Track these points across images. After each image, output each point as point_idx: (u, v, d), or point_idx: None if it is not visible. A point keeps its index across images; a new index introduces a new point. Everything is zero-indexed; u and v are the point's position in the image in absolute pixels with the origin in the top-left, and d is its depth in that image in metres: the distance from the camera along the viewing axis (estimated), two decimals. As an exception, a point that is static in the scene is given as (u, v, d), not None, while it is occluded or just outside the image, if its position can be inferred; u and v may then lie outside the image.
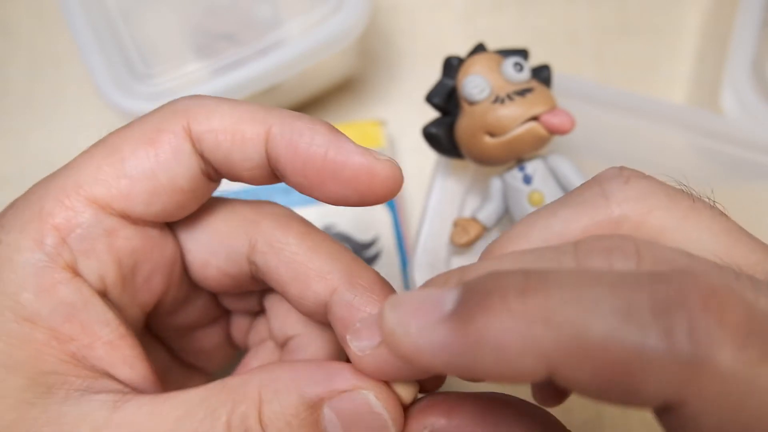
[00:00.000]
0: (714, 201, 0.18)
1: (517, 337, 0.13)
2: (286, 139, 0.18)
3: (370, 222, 0.35)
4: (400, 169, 0.19)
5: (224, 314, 0.25)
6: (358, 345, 0.17)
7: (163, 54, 0.33)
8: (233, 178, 0.20)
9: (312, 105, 0.39)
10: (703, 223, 0.16)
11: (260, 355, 0.24)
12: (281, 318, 0.23)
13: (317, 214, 0.34)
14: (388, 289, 0.20)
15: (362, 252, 0.34)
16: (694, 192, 0.17)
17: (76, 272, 0.18)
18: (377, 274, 0.20)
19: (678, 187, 0.17)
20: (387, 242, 0.34)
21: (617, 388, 0.13)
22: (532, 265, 0.16)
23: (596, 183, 0.17)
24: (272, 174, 0.19)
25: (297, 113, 0.19)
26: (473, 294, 0.14)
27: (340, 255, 0.20)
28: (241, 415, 0.16)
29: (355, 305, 0.19)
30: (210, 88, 0.31)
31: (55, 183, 0.18)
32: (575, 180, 0.26)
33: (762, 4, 0.33)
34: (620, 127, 0.30)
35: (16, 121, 0.39)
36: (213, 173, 0.20)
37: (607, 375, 0.12)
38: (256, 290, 0.23)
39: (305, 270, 0.20)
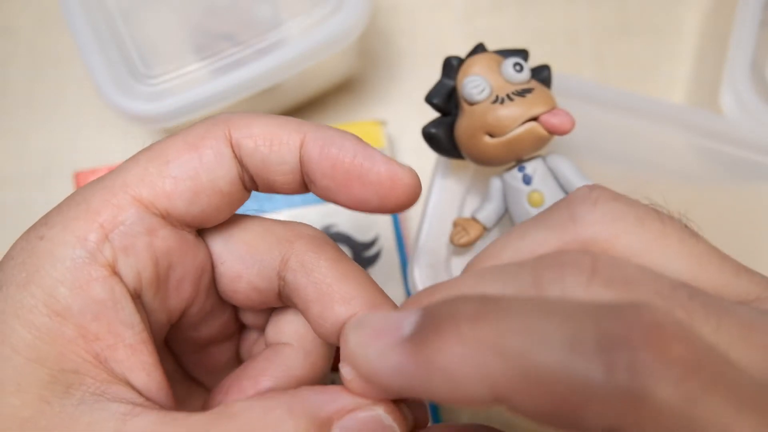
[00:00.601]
0: (686, 219, 0.18)
1: (467, 365, 0.14)
2: (319, 144, 0.20)
3: (370, 222, 0.35)
4: (419, 180, 0.20)
5: (238, 331, 0.25)
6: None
7: (163, 54, 0.33)
8: (266, 186, 0.21)
9: (312, 105, 0.39)
10: (671, 246, 0.16)
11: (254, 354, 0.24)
12: (279, 326, 0.23)
13: (317, 213, 0.34)
14: None
15: (362, 252, 0.34)
16: (664, 213, 0.17)
17: (114, 270, 0.18)
18: (395, 305, 0.21)
19: (649, 207, 0.17)
20: (387, 242, 0.34)
21: (562, 417, 0.13)
22: (491, 281, 0.16)
23: (565, 205, 0.17)
24: (302, 181, 0.21)
25: (329, 126, 0.21)
26: (429, 319, 0.15)
27: (366, 284, 0.21)
28: None
29: None
30: (210, 88, 0.31)
31: (103, 184, 0.19)
32: (575, 180, 0.26)
33: (761, 5, 0.33)
34: (620, 127, 0.30)
35: (16, 121, 0.39)
36: (248, 180, 0.21)
37: (552, 405, 0.13)
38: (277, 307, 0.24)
39: (331, 292, 0.20)
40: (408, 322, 0.15)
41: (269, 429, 0.16)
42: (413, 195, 0.20)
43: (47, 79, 0.40)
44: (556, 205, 0.18)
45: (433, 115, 0.27)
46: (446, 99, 0.27)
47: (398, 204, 0.20)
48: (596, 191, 0.17)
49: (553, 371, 0.13)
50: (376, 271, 0.34)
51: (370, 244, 0.34)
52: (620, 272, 0.15)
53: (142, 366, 0.18)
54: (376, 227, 0.34)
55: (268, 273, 0.21)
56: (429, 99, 0.27)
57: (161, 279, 0.20)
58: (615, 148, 0.30)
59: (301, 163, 0.20)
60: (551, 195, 0.26)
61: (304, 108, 0.39)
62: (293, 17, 0.33)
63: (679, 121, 0.30)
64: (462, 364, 0.14)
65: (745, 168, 0.30)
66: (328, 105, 0.40)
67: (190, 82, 0.32)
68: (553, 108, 0.25)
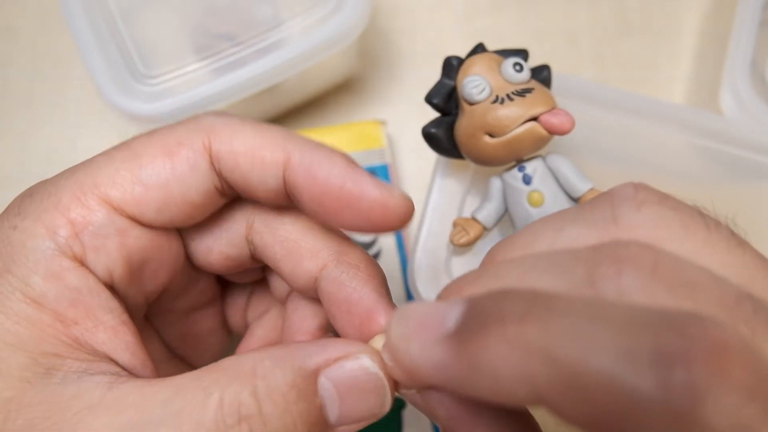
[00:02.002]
0: (733, 225, 0.16)
1: (511, 366, 0.13)
2: (304, 168, 0.19)
3: (370, 222, 0.35)
4: (411, 202, 0.20)
5: (219, 295, 0.26)
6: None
7: (163, 54, 0.33)
8: (248, 197, 0.21)
9: (312, 105, 0.39)
10: (718, 255, 0.15)
11: (264, 324, 0.25)
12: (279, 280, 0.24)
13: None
14: (373, 266, 0.21)
15: (362, 252, 0.34)
16: (711, 218, 0.16)
17: (83, 264, 0.18)
18: (364, 252, 0.21)
19: (696, 212, 0.16)
20: (387, 242, 0.34)
21: (605, 427, 0.13)
22: (540, 273, 0.15)
23: (609, 204, 0.17)
24: (287, 197, 0.20)
25: (315, 142, 0.20)
26: (473, 315, 0.14)
27: (330, 234, 0.21)
28: (234, 391, 0.16)
29: (342, 281, 0.20)
30: (210, 88, 0.31)
31: (75, 178, 0.19)
32: (575, 180, 0.26)
33: (761, 4, 0.33)
34: (620, 127, 0.30)
35: (16, 121, 0.39)
36: (228, 190, 0.20)
37: (596, 413, 0.13)
38: (256, 267, 0.24)
39: (298, 248, 0.21)
40: (452, 315, 0.15)
41: (258, 380, 0.17)
42: (405, 219, 0.20)
43: (47, 79, 0.40)
44: (597, 202, 0.17)
45: (433, 114, 0.27)
46: (446, 99, 0.27)
47: (390, 228, 0.20)
48: (642, 192, 0.16)
49: (602, 381, 0.12)
50: (376, 271, 0.34)
51: (370, 244, 0.34)
52: (683, 274, 0.14)
53: (125, 346, 0.19)
54: (376, 227, 0.35)
55: (236, 240, 0.22)
56: (429, 99, 0.27)
57: (134, 273, 0.20)
58: (615, 148, 0.30)
59: (286, 184, 0.20)
60: (551, 195, 0.26)
61: (304, 108, 0.39)
62: (293, 17, 0.33)
63: (679, 121, 0.30)
64: (506, 366, 0.13)
65: (745, 168, 0.30)
66: (328, 105, 0.40)
67: (190, 82, 0.32)
68: (553, 108, 0.25)
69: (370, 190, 0.19)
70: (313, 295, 0.22)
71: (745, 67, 0.32)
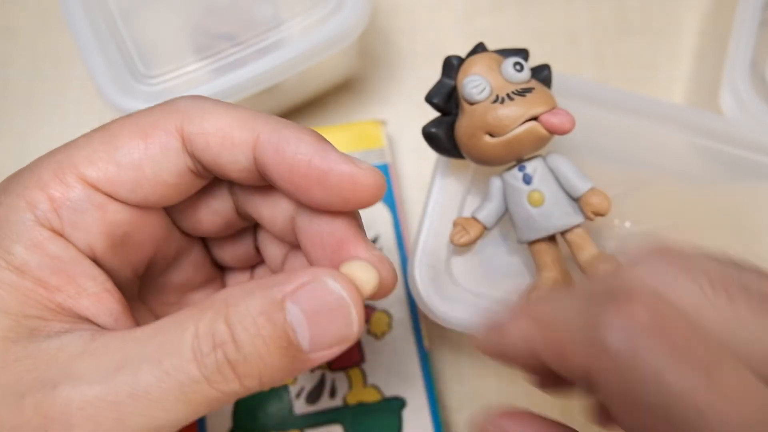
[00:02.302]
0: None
1: (518, 332, 0.19)
2: (273, 146, 0.19)
3: (370, 222, 0.35)
4: (381, 176, 0.20)
5: (219, 275, 0.26)
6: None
7: (163, 54, 0.33)
8: (222, 177, 0.21)
9: (312, 105, 0.39)
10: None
11: None
12: (275, 242, 0.24)
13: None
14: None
15: (362, 252, 0.34)
16: (734, 282, 0.17)
17: (62, 236, 0.19)
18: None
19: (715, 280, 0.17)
20: (387, 242, 0.34)
21: (560, 366, 0.17)
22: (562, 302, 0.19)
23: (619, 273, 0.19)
24: (261, 178, 0.21)
25: (285, 121, 0.20)
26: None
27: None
28: (208, 322, 0.17)
29: (314, 213, 0.21)
30: (210, 88, 0.31)
31: (55, 158, 0.20)
32: (575, 180, 0.26)
33: (761, 4, 0.33)
34: (620, 127, 0.30)
35: (16, 121, 0.39)
36: (203, 171, 0.21)
37: (555, 355, 0.17)
38: (247, 233, 0.25)
39: (275, 191, 0.21)
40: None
41: (229, 308, 0.17)
42: (376, 194, 0.20)
43: (47, 79, 0.40)
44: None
45: (433, 114, 0.27)
46: (446, 98, 0.27)
47: (362, 203, 0.20)
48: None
49: (559, 331, 0.17)
50: (376, 271, 0.34)
51: (370, 244, 0.34)
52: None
53: (109, 312, 0.19)
54: (376, 227, 0.34)
55: (220, 193, 0.22)
56: (429, 98, 0.27)
57: (117, 246, 0.20)
58: (615, 148, 0.30)
59: (257, 163, 0.20)
60: (551, 195, 0.26)
61: (304, 108, 0.39)
62: (293, 17, 0.33)
63: (679, 121, 0.30)
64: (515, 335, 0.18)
65: (745, 168, 0.30)
66: (328, 105, 0.40)
67: (190, 82, 0.32)
68: (553, 107, 0.25)
69: (337, 165, 0.19)
70: (293, 239, 0.22)
71: (746, 67, 0.32)
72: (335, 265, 0.19)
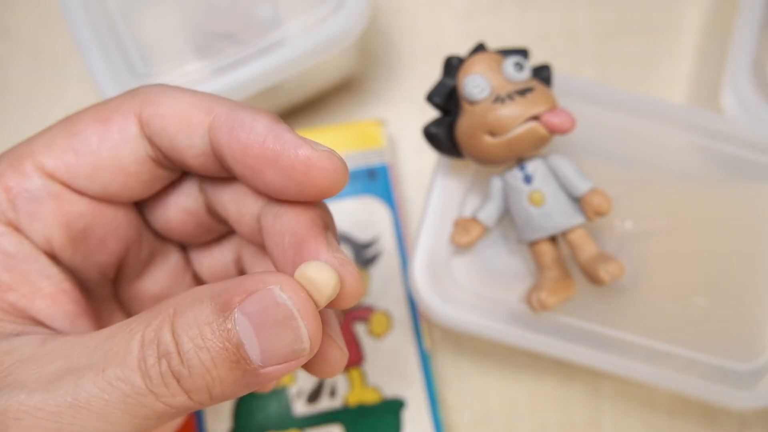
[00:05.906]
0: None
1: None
2: (228, 126, 0.19)
3: (370, 222, 0.34)
4: (341, 161, 0.18)
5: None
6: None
7: (163, 54, 0.33)
8: (183, 166, 0.20)
9: (312, 105, 0.39)
10: None
11: None
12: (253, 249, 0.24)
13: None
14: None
15: (362, 252, 0.34)
16: None
17: (18, 230, 0.19)
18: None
19: None
20: (387, 242, 0.34)
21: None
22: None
23: None
24: (219, 164, 0.20)
25: (243, 104, 0.19)
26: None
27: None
28: (154, 329, 0.16)
29: (278, 212, 0.20)
30: (210, 88, 0.31)
31: (15, 148, 0.19)
32: (576, 179, 0.26)
33: (762, 4, 0.33)
34: (620, 127, 0.30)
35: (16, 121, 0.39)
36: (163, 160, 0.20)
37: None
38: (225, 247, 0.24)
39: (241, 188, 0.21)
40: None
41: (176, 317, 0.16)
42: (335, 179, 0.18)
43: (47, 79, 0.40)
44: None
45: (433, 114, 0.27)
46: (447, 98, 0.27)
47: (319, 191, 0.18)
48: None
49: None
50: (376, 271, 0.34)
51: (370, 244, 0.34)
52: None
53: (64, 314, 0.19)
54: (376, 227, 0.34)
55: (189, 191, 0.22)
56: (430, 98, 0.27)
57: (78, 241, 0.20)
58: (615, 148, 0.30)
59: (212, 147, 0.19)
60: (552, 194, 0.26)
61: (304, 108, 0.39)
62: (293, 17, 0.33)
63: (679, 121, 0.30)
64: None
65: (746, 168, 0.30)
66: (328, 105, 0.40)
67: (190, 82, 0.32)
68: (553, 107, 0.25)
69: (291, 146, 0.18)
70: (258, 240, 0.21)
71: (747, 67, 0.32)
72: (295, 265, 0.18)
